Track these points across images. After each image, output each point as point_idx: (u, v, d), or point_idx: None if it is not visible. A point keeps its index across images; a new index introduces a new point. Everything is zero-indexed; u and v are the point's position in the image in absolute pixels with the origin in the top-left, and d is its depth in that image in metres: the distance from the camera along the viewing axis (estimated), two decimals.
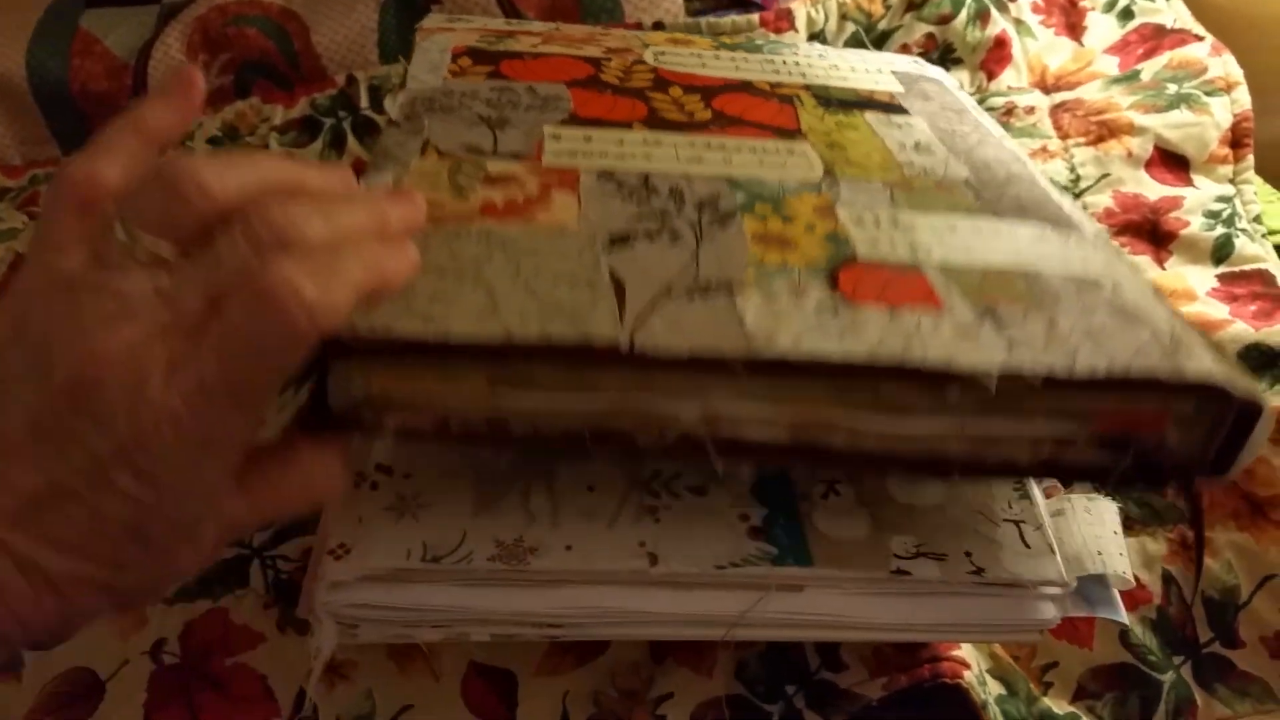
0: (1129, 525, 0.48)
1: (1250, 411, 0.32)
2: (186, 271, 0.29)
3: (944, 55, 0.67)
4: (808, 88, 0.52)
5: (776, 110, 0.49)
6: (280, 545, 0.51)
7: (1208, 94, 0.60)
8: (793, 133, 0.46)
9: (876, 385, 0.32)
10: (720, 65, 0.54)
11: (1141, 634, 0.47)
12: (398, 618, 0.38)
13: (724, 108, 0.48)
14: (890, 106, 0.51)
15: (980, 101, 0.66)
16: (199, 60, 0.71)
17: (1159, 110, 0.59)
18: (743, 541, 0.38)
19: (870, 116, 0.49)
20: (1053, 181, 0.48)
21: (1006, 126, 0.63)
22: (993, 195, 0.42)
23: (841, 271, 0.35)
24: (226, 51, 0.70)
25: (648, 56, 0.53)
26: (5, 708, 0.47)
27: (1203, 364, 0.32)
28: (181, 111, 0.35)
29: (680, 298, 0.33)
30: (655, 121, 0.46)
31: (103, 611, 0.31)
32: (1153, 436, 0.33)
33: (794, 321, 0.32)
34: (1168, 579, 0.48)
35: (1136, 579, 0.47)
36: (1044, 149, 0.61)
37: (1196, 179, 0.58)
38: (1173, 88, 0.61)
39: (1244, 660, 0.46)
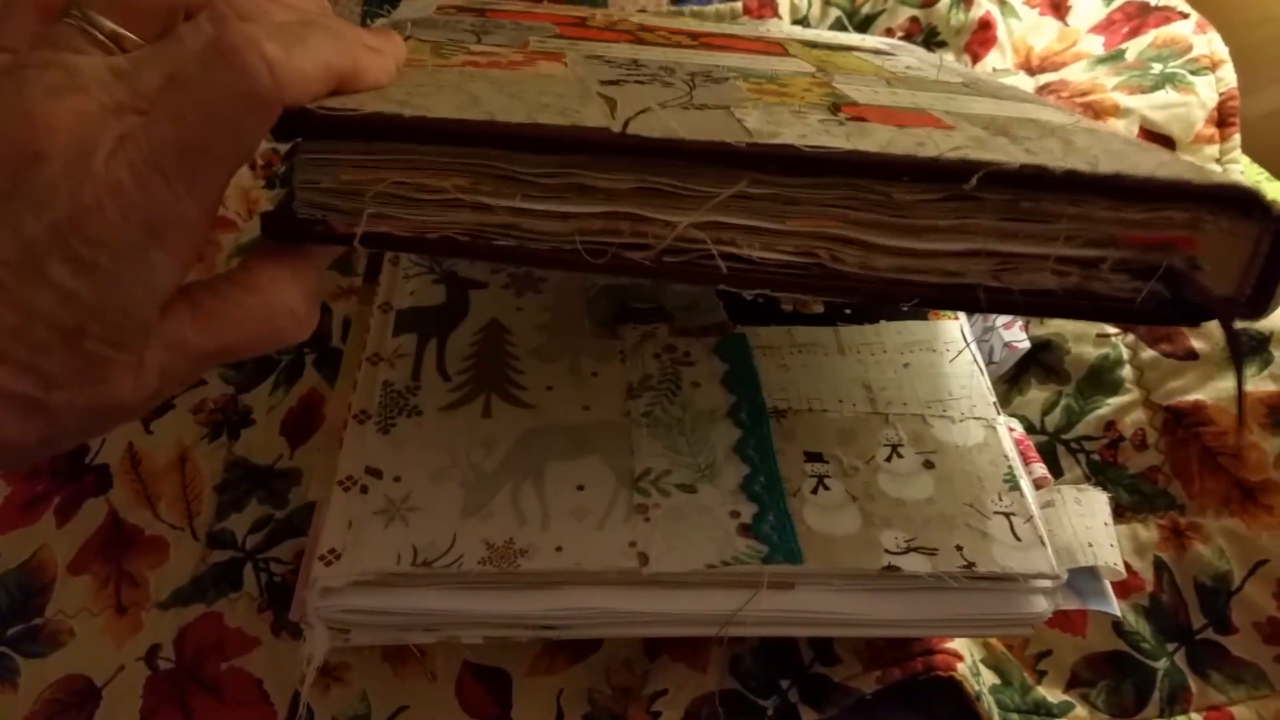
0: (1120, 512, 0.49)
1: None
2: (146, 51, 0.27)
3: (928, 38, 0.67)
4: (795, 39, 0.52)
5: (765, 47, 0.48)
6: (273, 548, 0.51)
7: (1193, 73, 0.59)
8: (781, 55, 0.46)
9: (889, 191, 0.29)
10: (706, 27, 0.53)
11: (1134, 621, 0.47)
12: (389, 622, 0.38)
13: (711, 43, 0.47)
14: (878, 52, 0.51)
15: None
16: None
17: (1144, 91, 0.59)
18: (733, 539, 0.38)
19: (858, 54, 0.49)
20: None
21: None
22: (990, 90, 0.41)
23: (844, 106, 0.33)
24: None
25: (633, 19, 0.53)
26: (2, 716, 0.47)
27: (1231, 178, 0.30)
28: None
29: (674, 109, 0.30)
30: (642, 43, 0.45)
31: (29, 445, 0.27)
32: (1184, 259, 0.30)
33: (798, 126, 0.30)
34: (1160, 566, 0.48)
35: (1128, 566, 0.47)
36: None
37: (1183, 160, 0.58)
38: (1157, 67, 0.60)
39: (1237, 646, 0.46)
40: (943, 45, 0.67)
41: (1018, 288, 0.30)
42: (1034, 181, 0.28)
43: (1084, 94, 0.60)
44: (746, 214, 0.29)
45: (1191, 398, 0.49)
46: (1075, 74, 0.63)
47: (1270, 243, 0.29)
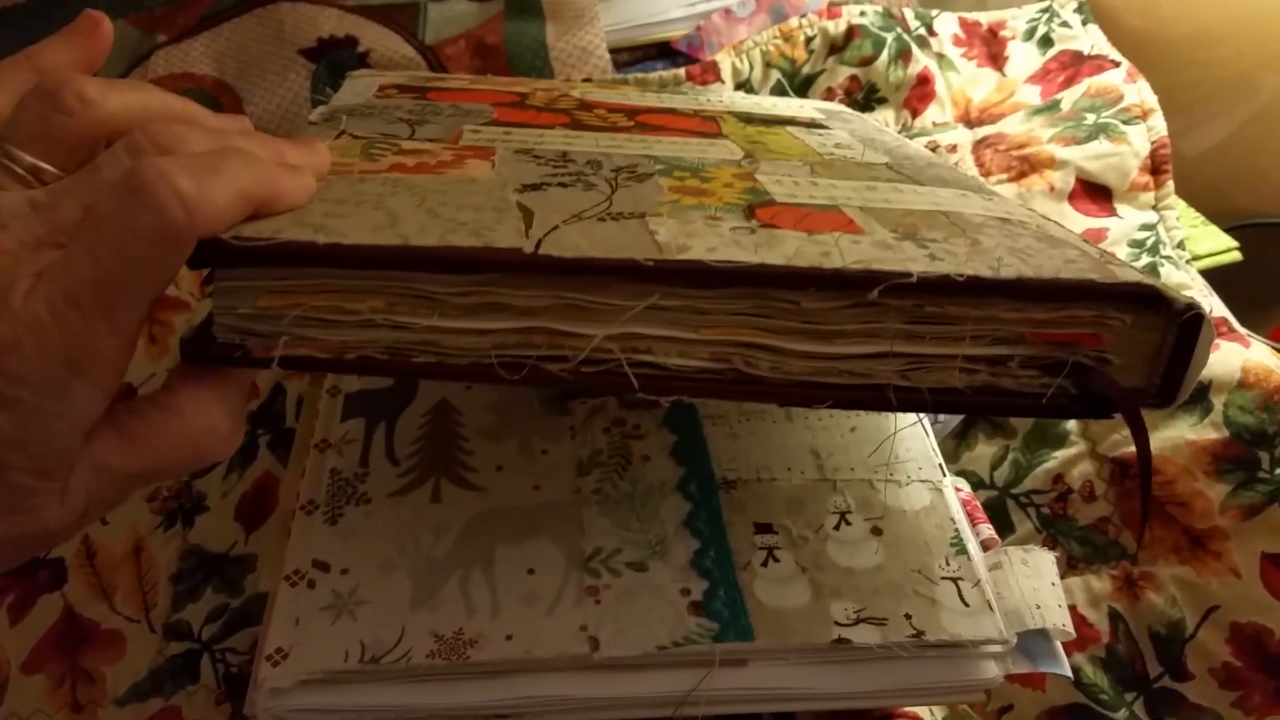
0: (1073, 564, 0.49)
1: (1191, 323, 0.30)
2: (64, 184, 0.27)
3: (868, 96, 0.68)
4: (731, 113, 0.52)
5: (699, 124, 0.49)
6: (229, 638, 0.50)
7: (1125, 122, 0.60)
8: (714, 134, 0.46)
9: (797, 300, 0.30)
10: (647, 99, 0.54)
11: (1092, 673, 0.47)
12: (340, 719, 0.37)
13: (647, 120, 0.48)
14: (812, 124, 0.52)
15: None
16: None
17: (1079, 142, 0.60)
18: (684, 618, 0.38)
19: (791, 129, 0.50)
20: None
21: None
22: (912, 171, 0.43)
23: (759, 208, 0.34)
24: None
25: (574, 93, 0.54)
26: None
27: (1134, 275, 0.31)
28: (84, 51, 0.32)
29: (590, 220, 0.31)
30: (578, 126, 0.46)
31: None
32: (1091, 355, 0.31)
33: (709, 238, 0.30)
34: (1115, 616, 0.48)
35: (1084, 618, 0.48)
36: None
37: (1120, 208, 0.59)
38: (1091, 118, 0.61)
39: (1194, 692, 0.47)
40: (883, 102, 0.68)
41: (927, 386, 0.31)
42: (936, 288, 0.29)
43: (1020, 146, 0.61)
44: (661, 324, 0.30)
45: None
46: (1012, 126, 0.64)
47: (1175, 335, 0.30)
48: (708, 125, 0.48)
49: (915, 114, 0.67)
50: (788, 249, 0.30)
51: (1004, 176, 0.61)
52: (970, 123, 0.67)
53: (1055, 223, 0.39)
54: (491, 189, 0.34)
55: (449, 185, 0.34)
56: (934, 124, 0.67)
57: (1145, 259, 0.56)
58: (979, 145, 0.64)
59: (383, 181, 0.34)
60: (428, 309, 0.30)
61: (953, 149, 0.64)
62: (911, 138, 0.66)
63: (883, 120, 0.66)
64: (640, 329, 0.30)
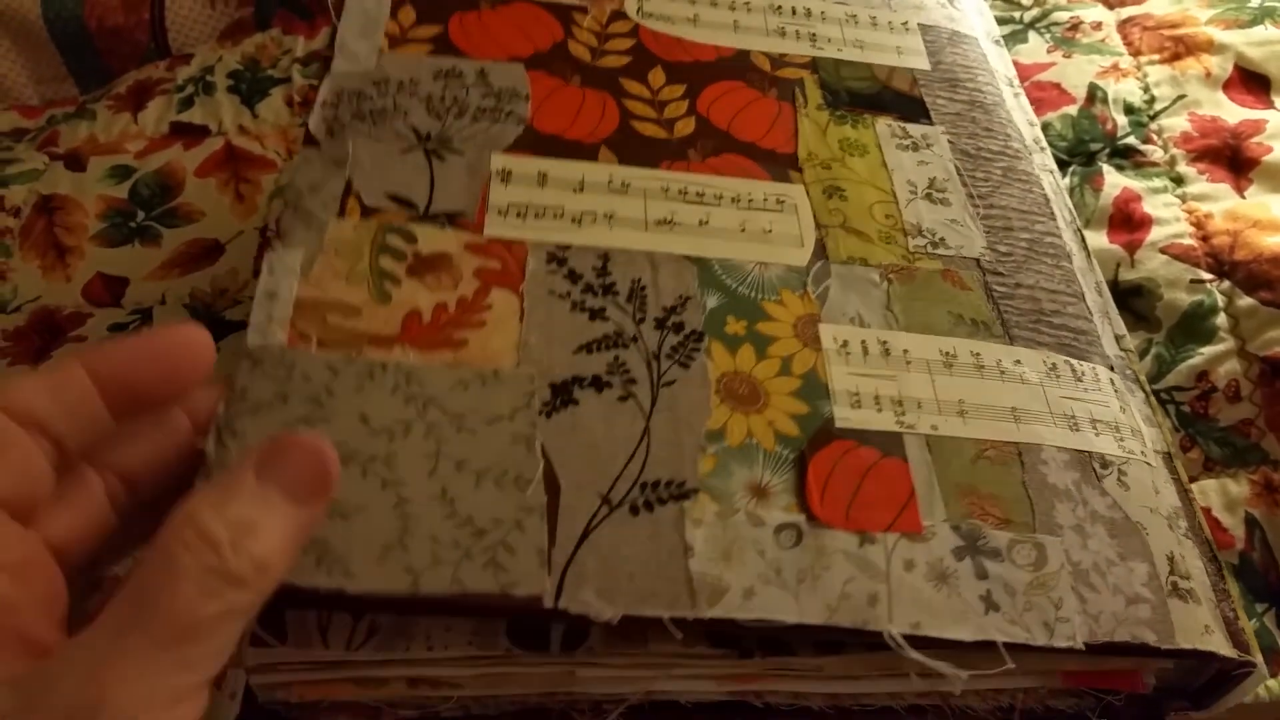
0: (1210, 466, 0.46)
1: (1243, 669, 0.31)
2: None
3: None
4: (815, 65, 0.47)
5: (773, 117, 0.44)
6: None
7: None
8: (787, 164, 0.42)
9: (820, 666, 0.31)
10: (717, 18, 0.48)
11: None
12: None
13: (710, 113, 0.44)
14: (909, 104, 0.47)
15: (1042, 17, 0.62)
16: None
17: (1240, 26, 0.56)
18: None
19: (883, 128, 0.45)
20: (1077, 238, 0.45)
21: (1072, 43, 0.60)
22: (1007, 287, 0.40)
23: (813, 459, 0.32)
24: None
25: (630, 5, 0.48)
26: None
27: (1195, 624, 0.31)
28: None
29: (621, 511, 0.30)
30: (625, 143, 0.41)
31: None
32: (1125, 686, 0.32)
33: (747, 566, 0.29)
34: (1251, 523, 0.45)
35: (1218, 522, 0.45)
36: (1115, 67, 0.58)
37: (1279, 101, 0.55)
38: (1255, 0, 0.57)
39: None
40: None
41: (949, 708, 0.32)
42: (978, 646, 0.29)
43: (1174, 26, 0.57)
44: (683, 680, 0.30)
45: None
46: (1161, 6, 0.60)
47: (1219, 670, 0.32)
48: (782, 127, 0.44)
49: None
50: (831, 591, 0.29)
51: (1156, 58, 0.57)
52: (1110, 3, 0.62)
53: (1142, 405, 0.39)
54: (516, 407, 0.32)
55: (468, 403, 0.32)
56: (1070, 0, 0.63)
57: None
58: (1125, 24, 0.60)
59: (393, 385, 0.32)
60: (448, 688, 0.31)
61: (1097, 26, 0.60)
62: (1046, 14, 0.62)
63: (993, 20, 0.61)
64: (663, 686, 0.30)
